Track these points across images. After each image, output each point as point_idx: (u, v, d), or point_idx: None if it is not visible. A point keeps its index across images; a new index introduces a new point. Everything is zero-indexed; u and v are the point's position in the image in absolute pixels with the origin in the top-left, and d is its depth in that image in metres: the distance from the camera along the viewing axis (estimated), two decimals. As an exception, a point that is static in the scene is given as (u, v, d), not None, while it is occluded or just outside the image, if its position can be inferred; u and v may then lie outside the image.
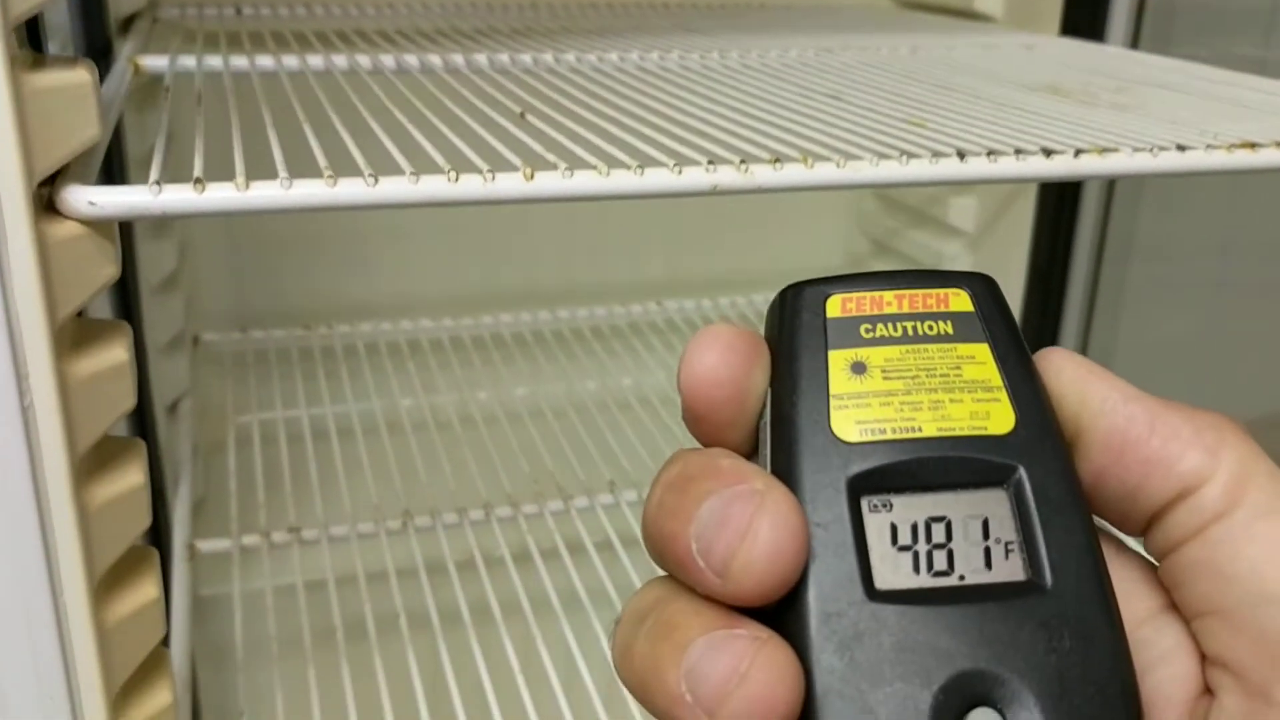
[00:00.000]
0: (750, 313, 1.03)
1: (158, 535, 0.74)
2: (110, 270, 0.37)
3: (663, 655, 0.19)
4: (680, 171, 0.40)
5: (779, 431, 0.21)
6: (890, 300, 0.23)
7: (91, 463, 0.40)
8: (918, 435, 0.21)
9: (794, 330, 0.22)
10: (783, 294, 0.23)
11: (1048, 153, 0.45)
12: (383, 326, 0.95)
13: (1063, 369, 0.22)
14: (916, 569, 0.21)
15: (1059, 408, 0.22)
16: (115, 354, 0.38)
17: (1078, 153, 0.45)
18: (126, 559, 0.43)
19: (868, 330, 0.22)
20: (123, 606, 0.43)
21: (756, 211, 1.04)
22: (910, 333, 0.22)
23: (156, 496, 0.74)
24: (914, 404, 0.21)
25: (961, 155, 0.44)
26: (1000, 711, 0.20)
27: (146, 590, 0.44)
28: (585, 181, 0.39)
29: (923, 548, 0.21)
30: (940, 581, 0.21)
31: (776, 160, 0.41)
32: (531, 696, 0.60)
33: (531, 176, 0.38)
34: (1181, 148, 0.46)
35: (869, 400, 0.21)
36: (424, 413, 0.89)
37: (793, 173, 0.41)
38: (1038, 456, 0.21)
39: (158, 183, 0.35)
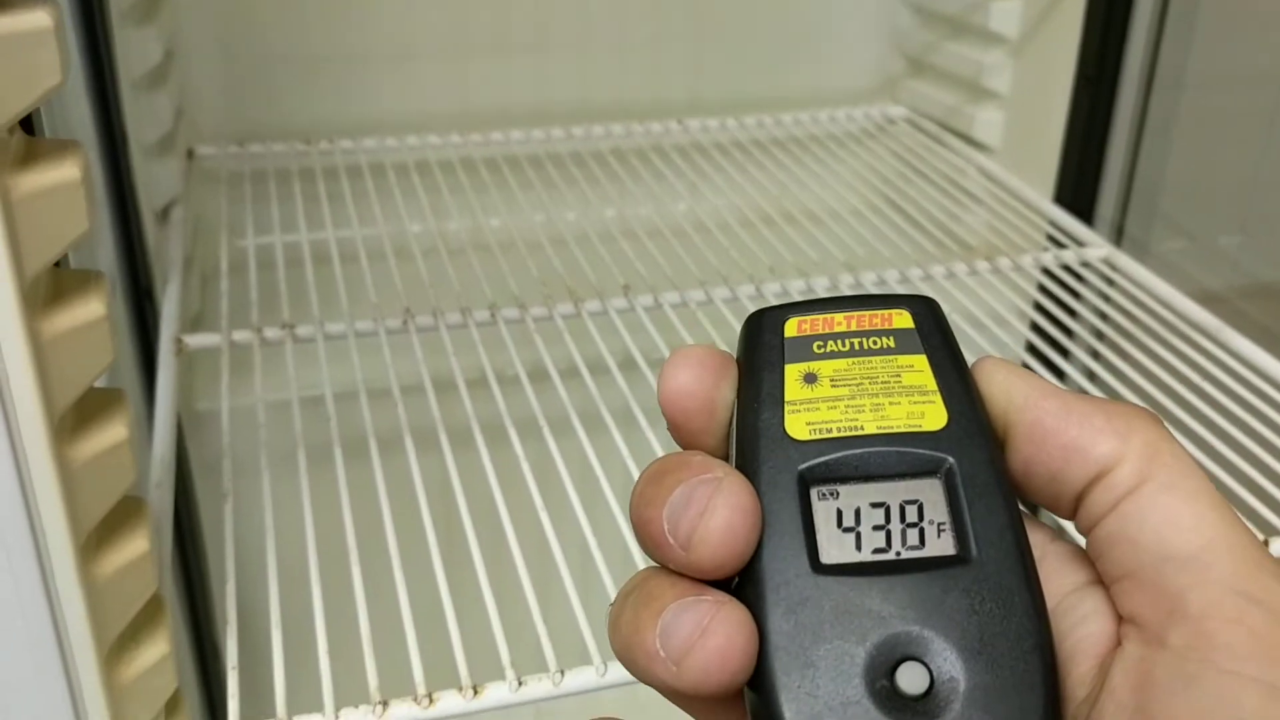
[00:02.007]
0: (780, 134, 0.97)
1: (146, 335, 0.70)
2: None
3: (643, 620, 0.23)
4: None
5: (741, 434, 0.25)
6: (840, 321, 0.26)
7: (73, 419, 0.38)
8: (860, 433, 0.24)
9: (756, 349, 0.26)
10: (748, 320, 0.27)
11: None
12: (388, 143, 0.90)
13: (993, 374, 0.25)
14: (858, 547, 0.24)
15: (990, 407, 0.25)
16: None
17: None
18: (115, 512, 0.41)
19: (819, 346, 0.26)
20: (112, 561, 0.41)
21: (786, 29, 0.98)
22: (857, 347, 0.26)
23: (145, 298, 0.70)
24: (858, 407, 0.25)
25: None
26: (926, 665, 0.22)
27: (136, 544, 0.42)
28: None
29: (864, 529, 0.24)
30: (878, 557, 0.23)
31: None
32: (550, 514, 0.55)
33: None
34: None
35: (818, 405, 0.25)
36: (434, 238, 0.84)
37: None
38: (967, 449, 0.24)
39: None
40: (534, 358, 0.68)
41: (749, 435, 0.24)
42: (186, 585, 0.78)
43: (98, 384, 0.42)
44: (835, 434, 0.24)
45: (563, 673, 0.48)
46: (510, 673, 0.47)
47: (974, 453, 0.24)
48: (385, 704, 0.46)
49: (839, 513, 0.24)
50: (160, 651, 0.44)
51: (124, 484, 0.40)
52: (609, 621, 0.24)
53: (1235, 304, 0.81)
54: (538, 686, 0.47)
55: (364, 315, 0.69)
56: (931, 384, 0.25)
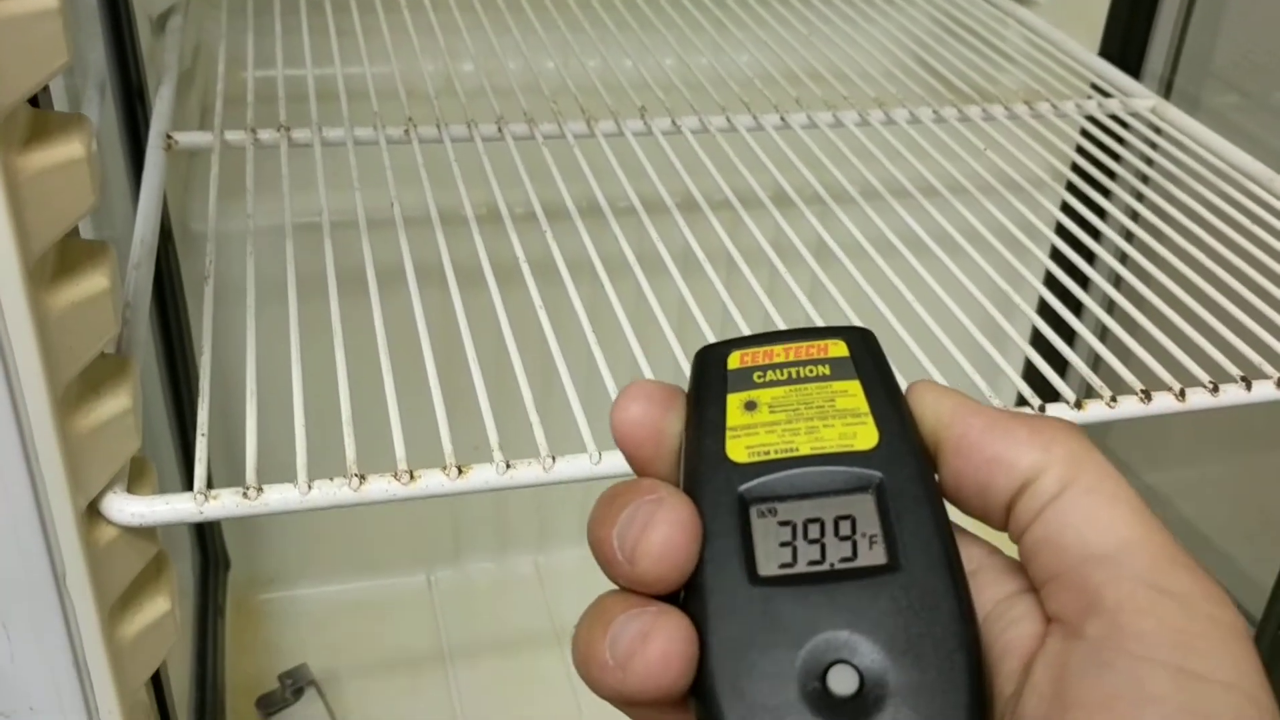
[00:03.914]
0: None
1: (136, 137, 0.67)
2: None
3: (595, 632, 0.24)
4: None
5: (687, 459, 0.26)
6: (779, 352, 0.28)
7: (23, 131, 0.35)
8: (795, 454, 0.26)
9: (702, 382, 0.27)
10: (696, 356, 0.28)
11: None
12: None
13: (923, 396, 0.27)
14: (794, 559, 0.25)
15: (922, 427, 0.27)
16: None
17: None
18: (74, 246, 0.38)
19: (759, 376, 0.27)
20: (67, 293, 0.38)
21: None
22: (794, 376, 0.27)
23: (136, 99, 0.67)
24: (793, 430, 0.26)
25: None
26: (855, 667, 0.23)
27: (95, 280, 0.39)
28: None
29: (800, 543, 0.25)
30: (813, 568, 0.25)
31: None
32: (562, 350, 0.51)
33: None
34: None
35: (758, 430, 0.26)
36: (451, 79, 0.80)
37: None
38: (896, 466, 0.26)
39: None
40: (551, 194, 0.63)
41: (693, 460, 0.26)
42: (175, 397, 0.76)
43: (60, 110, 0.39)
44: (773, 456, 0.26)
45: (554, 458, 0.45)
46: (498, 455, 0.44)
47: (903, 469, 0.26)
48: (362, 477, 0.43)
49: (776, 528, 0.25)
50: (121, 405, 0.41)
51: (81, 206, 0.37)
52: (571, 642, 0.26)
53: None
54: (526, 471, 0.44)
55: (364, 122, 0.65)
56: (864, 407, 0.26)
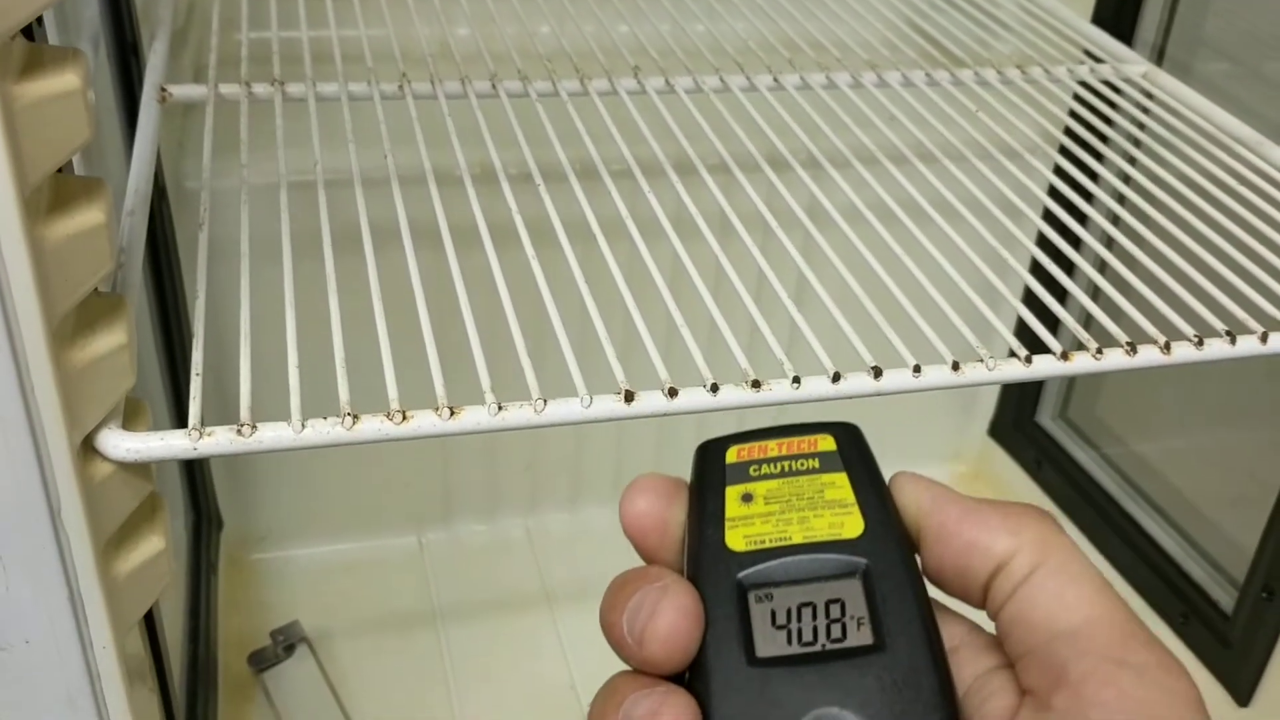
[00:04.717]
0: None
1: (130, 91, 0.67)
2: None
3: (608, 709, 0.26)
4: None
5: (690, 548, 0.28)
6: (773, 447, 0.30)
7: (19, 62, 0.35)
8: (789, 543, 0.28)
9: (702, 474, 0.30)
10: (697, 450, 0.30)
11: None
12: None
13: (904, 486, 0.29)
14: (789, 641, 0.27)
15: (904, 515, 0.29)
16: None
17: None
18: (68, 184, 0.38)
19: (755, 470, 0.29)
20: (64, 226, 0.38)
21: None
22: (787, 469, 0.29)
23: (130, 53, 0.67)
24: (787, 520, 0.28)
25: None
26: None
27: (91, 215, 0.39)
28: None
29: (794, 626, 0.27)
30: (806, 649, 0.27)
31: None
32: (556, 304, 0.51)
33: None
34: None
35: (754, 520, 0.28)
36: (447, 43, 0.80)
37: None
38: (881, 553, 0.28)
39: None
40: (545, 154, 0.63)
41: (695, 549, 0.28)
42: (169, 354, 0.76)
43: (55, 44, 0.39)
44: (768, 545, 0.28)
45: (545, 401, 0.45)
46: (490, 397, 0.45)
47: (888, 555, 0.28)
48: (355, 417, 0.43)
49: (772, 613, 0.27)
50: (116, 341, 0.41)
51: (77, 138, 0.37)
52: (586, 718, 0.27)
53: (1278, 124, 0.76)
54: (518, 413, 0.44)
55: (359, 78, 0.65)
56: (850, 498, 0.29)
